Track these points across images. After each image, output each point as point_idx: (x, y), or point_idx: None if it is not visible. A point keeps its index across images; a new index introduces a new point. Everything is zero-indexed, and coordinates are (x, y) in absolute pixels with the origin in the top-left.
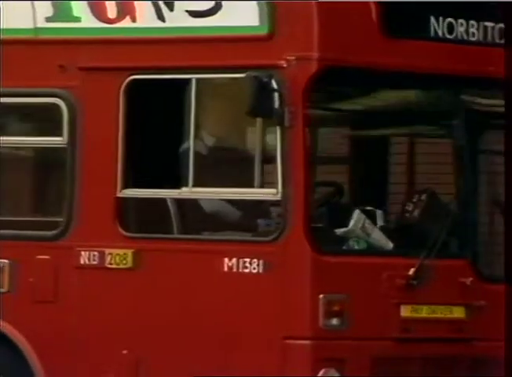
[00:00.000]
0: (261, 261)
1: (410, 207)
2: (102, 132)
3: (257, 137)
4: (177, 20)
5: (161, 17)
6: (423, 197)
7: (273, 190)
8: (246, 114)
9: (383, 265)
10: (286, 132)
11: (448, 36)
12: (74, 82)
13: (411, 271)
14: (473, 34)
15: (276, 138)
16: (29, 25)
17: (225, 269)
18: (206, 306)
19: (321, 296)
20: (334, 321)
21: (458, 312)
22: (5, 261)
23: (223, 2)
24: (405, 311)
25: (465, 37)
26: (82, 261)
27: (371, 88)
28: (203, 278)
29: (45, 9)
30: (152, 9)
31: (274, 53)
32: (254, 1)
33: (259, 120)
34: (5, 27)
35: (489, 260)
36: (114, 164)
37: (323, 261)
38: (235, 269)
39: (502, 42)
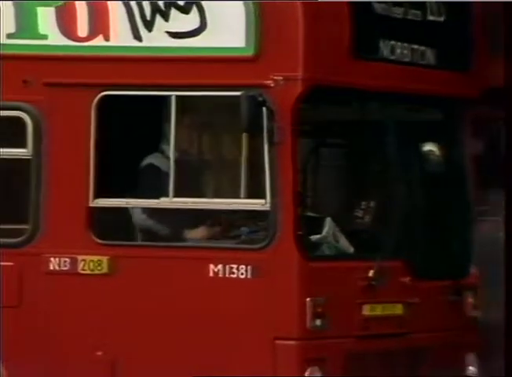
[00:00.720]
0: (249, 267)
1: (360, 214)
2: (71, 144)
3: (243, 150)
4: (156, 40)
5: (138, 37)
6: (372, 204)
7: (262, 200)
8: (241, 130)
9: (352, 269)
10: (274, 146)
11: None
12: (39, 97)
13: (371, 273)
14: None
15: (263, 152)
16: None
17: (211, 274)
18: (189, 310)
19: (308, 299)
20: (318, 322)
21: (398, 310)
22: None
23: (208, 23)
24: (366, 310)
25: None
26: (51, 267)
27: (344, 105)
28: (187, 283)
29: (8, 26)
30: (128, 28)
31: (260, 73)
32: (241, 24)
33: (244, 135)
34: None
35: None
36: (85, 175)
37: (310, 266)
38: (221, 275)
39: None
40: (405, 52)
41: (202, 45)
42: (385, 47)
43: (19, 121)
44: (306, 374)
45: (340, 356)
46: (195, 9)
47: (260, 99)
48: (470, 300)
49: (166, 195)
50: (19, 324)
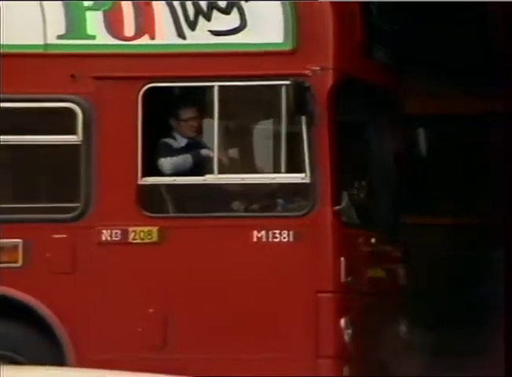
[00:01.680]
0: (291, 232)
1: (354, 191)
2: (120, 130)
3: (283, 131)
4: (199, 38)
5: (181, 35)
6: (363, 183)
7: (302, 174)
8: (290, 113)
9: (363, 236)
10: (313, 127)
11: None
12: (87, 89)
13: (373, 240)
14: None
15: (303, 132)
16: (39, 42)
17: (254, 239)
18: (235, 271)
19: (342, 259)
20: (349, 278)
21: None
22: (19, 240)
23: (248, 22)
24: (370, 272)
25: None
26: (103, 238)
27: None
28: (231, 248)
29: (58, 28)
30: (173, 28)
31: (298, 65)
32: (280, 22)
33: (284, 117)
34: (17, 43)
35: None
36: (134, 157)
37: (343, 231)
38: (264, 240)
39: None
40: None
41: (243, 41)
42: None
43: (69, 111)
44: (341, 322)
45: (360, 309)
46: (235, 10)
47: (306, 85)
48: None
49: (212, 172)
50: (74, 289)
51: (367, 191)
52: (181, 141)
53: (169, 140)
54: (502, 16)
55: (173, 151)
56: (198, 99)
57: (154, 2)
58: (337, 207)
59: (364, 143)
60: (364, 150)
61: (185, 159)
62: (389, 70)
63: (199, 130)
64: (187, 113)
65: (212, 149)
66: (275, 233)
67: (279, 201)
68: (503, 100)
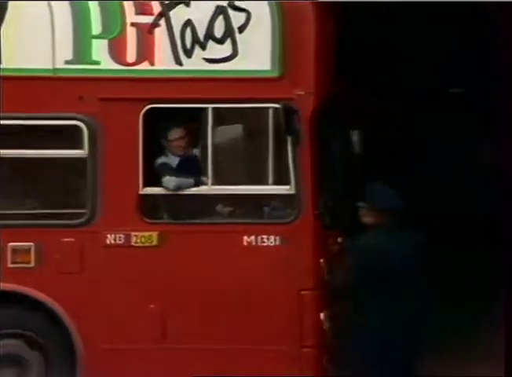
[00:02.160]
0: (277, 237)
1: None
2: (123, 146)
3: (270, 148)
4: (194, 64)
5: (178, 62)
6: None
7: (287, 186)
8: (278, 133)
9: (333, 236)
10: (298, 145)
11: None
12: (93, 109)
13: (340, 239)
14: None
15: (288, 149)
16: (49, 66)
17: (245, 243)
18: (226, 272)
19: (322, 260)
20: (329, 276)
21: None
22: (31, 243)
23: (239, 51)
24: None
25: None
26: (108, 242)
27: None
28: (223, 251)
29: (66, 54)
30: (171, 56)
31: (284, 90)
32: (268, 52)
33: (271, 137)
34: (28, 67)
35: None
36: (135, 169)
37: (322, 235)
38: (253, 244)
39: None
40: None
41: (235, 68)
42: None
43: (77, 129)
44: (321, 316)
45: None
46: (228, 40)
47: (294, 108)
48: None
49: (206, 184)
50: (81, 287)
51: (336, 194)
52: (174, 160)
53: (164, 159)
54: (502, 16)
55: (171, 170)
56: (191, 120)
57: (155, 30)
58: (317, 212)
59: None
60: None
61: (189, 181)
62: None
63: (187, 148)
64: (173, 134)
65: (206, 163)
66: (263, 238)
67: (267, 209)
68: (503, 100)
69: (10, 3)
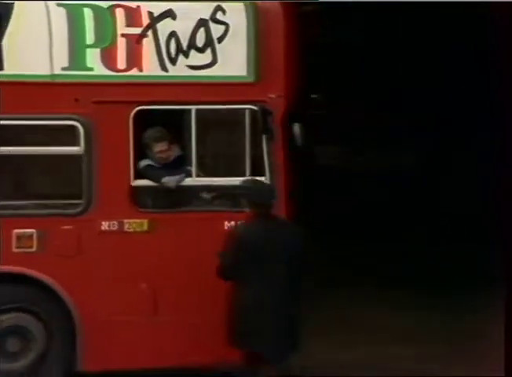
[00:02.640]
0: None
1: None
2: (115, 143)
3: (247, 144)
4: (178, 71)
5: (164, 69)
6: None
7: (263, 177)
8: (255, 131)
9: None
10: (271, 141)
11: None
12: (88, 111)
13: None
14: None
15: (263, 145)
16: (46, 72)
17: (226, 228)
18: (208, 254)
19: None
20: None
21: None
22: (33, 230)
23: (218, 59)
24: None
25: None
26: (103, 228)
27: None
28: (206, 235)
29: (62, 61)
30: (157, 63)
31: (259, 93)
32: (244, 60)
33: (247, 135)
34: (28, 73)
35: None
36: (127, 164)
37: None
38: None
39: None
40: None
41: (215, 74)
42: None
43: (73, 128)
44: None
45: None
46: (209, 50)
47: (269, 110)
48: None
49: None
50: (79, 269)
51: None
52: (158, 164)
53: (149, 162)
54: (502, 16)
55: (161, 170)
56: (174, 129)
57: (143, 40)
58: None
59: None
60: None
61: (182, 177)
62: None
63: (169, 159)
64: (157, 147)
65: (191, 158)
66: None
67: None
68: (503, 101)
69: (13, 15)
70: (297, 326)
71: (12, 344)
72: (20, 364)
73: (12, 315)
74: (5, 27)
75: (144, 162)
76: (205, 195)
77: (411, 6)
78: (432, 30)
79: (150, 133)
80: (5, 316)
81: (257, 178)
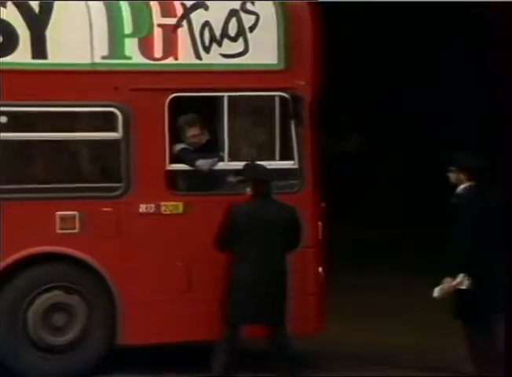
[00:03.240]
0: None
1: None
2: (152, 129)
3: (277, 130)
4: (212, 59)
5: (199, 57)
6: None
7: (291, 161)
8: (286, 117)
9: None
10: (301, 126)
11: None
12: (127, 98)
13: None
14: None
15: (292, 130)
16: (87, 61)
17: None
18: None
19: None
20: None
21: None
22: (76, 212)
23: (250, 48)
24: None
25: None
26: (141, 211)
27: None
28: None
29: (102, 50)
30: (192, 51)
31: (289, 80)
32: (275, 48)
33: (278, 121)
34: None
35: None
36: (163, 149)
37: (319, 203)
38: None
39: None
40: None
41: (247, 62)
42: None
43: (112, 114)
44: (320, 269)
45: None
46: (241, 39)
47: (300, 96)
48: None
49: (223, 161)
50: (119, 249)
51: None
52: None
53: (183, 145)
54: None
55: (195, 153)
56: (207, 115)
57: (178, 30)
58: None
59: None
60: None
61: (215, 161)
62: None
63: (201, 142)
64: (190, 132)
65: (223, 143)
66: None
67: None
68: (503, 100)
69: (55, 7)
70: (282, 299)
71: (58, 320)
72: (65, 338)
73: (57, 293)
74: (49, 18)
75: (179, 146)
76: (231, 179)
77: (411, 6)
78: (432, 30)
79: (183, 118)
80: (50, 294)
81: (286, 162)
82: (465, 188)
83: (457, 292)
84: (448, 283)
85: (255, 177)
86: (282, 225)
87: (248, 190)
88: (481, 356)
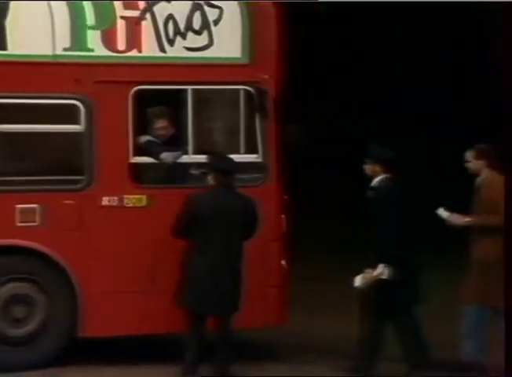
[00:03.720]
0: None
1: None
2: (115, 121)
3: (241, 123)
4: (176, 52)
5: (163, 50)
6: None
7: (255, 155)
8: (250, 110)
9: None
10: (265, 120)
11: None
12: (89, 90)
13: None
14: None
15: (256, 123)
16: (48, 52)
17: None
18: None
19: (283, 216)
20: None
21: None
22: (36, 205)
23: (214, 41)
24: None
25: None
26: (103, 203)
27: None
28: None
29: (64, 42)
30: (155, 44)
31: (252, 74)
32: (239, 42)
33: (242, 114)
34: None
35: None
36: (126, 142)
37: (282, 196)
38: None
39: None
40: None
41: (211, 55)
42: None
43: (74, 107)
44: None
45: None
46: (205, 32)
47: (265, 89)
48: None
49: (187, 154)
50: (80, 242)
51: None
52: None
53: (149, 137)
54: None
55: (161, 146)
56: (171, 108)
57: (142, 23)
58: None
59: None
60: None
61: (179, 154)
62: None
63: (169, 135)
64: (158, 123)
65: (187, 136)
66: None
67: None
68: (503, 100)
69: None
70: (239, 287)
71: (17, 311)
72: (25, 329)
73: (17, 284)
74: (9, 9)
75: (144, 138)
76: (195, 172)
77: (411, 6)
78: (432, 30)
79: (151, 110)
80: (10, 286)
81: (250, 156)
82: (380, 181)
83: (377, 282)
84: (370, 274)
85: (220, 167)
86: (242, 215)
87: (210, 179)
88: (411, 344)
